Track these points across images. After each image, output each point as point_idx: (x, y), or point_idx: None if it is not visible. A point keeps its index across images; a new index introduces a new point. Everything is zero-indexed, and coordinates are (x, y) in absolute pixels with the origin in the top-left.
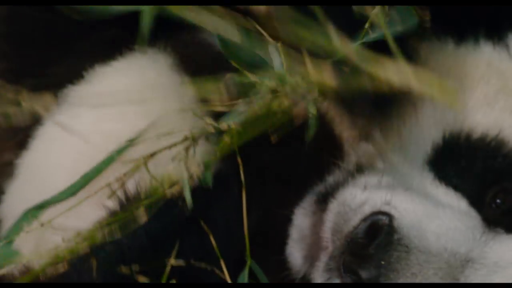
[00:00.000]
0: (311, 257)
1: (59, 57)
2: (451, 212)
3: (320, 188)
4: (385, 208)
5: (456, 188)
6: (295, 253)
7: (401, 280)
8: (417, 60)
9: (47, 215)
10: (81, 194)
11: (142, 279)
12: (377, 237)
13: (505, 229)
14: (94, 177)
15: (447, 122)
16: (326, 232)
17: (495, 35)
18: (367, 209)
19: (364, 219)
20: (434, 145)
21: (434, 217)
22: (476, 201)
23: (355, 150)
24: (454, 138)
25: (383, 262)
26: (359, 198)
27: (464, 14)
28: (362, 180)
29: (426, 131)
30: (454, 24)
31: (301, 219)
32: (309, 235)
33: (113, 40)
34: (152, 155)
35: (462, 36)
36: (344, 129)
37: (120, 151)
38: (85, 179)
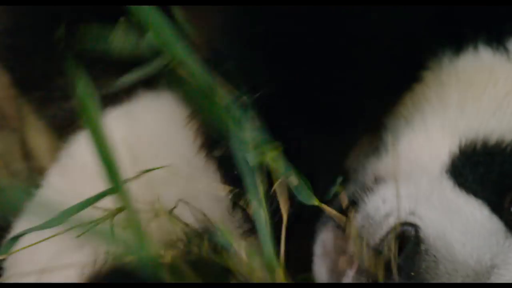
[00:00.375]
0: (338, 272)
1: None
2: (474, 220)
3: (339, 202)
4: (410, 219)
5: (476, 195)
6: (320, 268)
7: None
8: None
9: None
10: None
11: None
12: (404, 248)
13: None
14: (74, 213)
15: (461, 130)
16: (352, 246)
17: (494, 40)
18: (392, 221)
19: (390, 231)
20: (451, 154)
21: (458, 225)
22: (496, 207)
23: (369, 162)
24: (471, 146)
25: (412, 274)
26: (383, 210)
27: (461, 23)
28: (381, 192)
29: (439, 140)
30: (451, 34)
31: (324, 234)
32: (334, 250)
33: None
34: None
35: (461, 45)
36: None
37: (99, 197)
38: (65, 215)
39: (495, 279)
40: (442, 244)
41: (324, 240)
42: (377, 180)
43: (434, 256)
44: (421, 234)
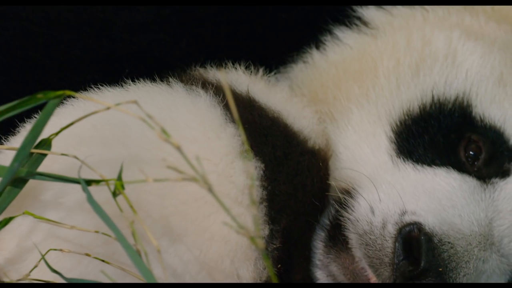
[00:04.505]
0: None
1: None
2: (451, 188)
3: (324, 226)
4: (406, 219)
5: (436, 163)
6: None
7: (462, 274)
8: None
9: None
10: None
11: None
12: (415, 248)
13: (496, 176)
14: None
15: (382, 114)
16: (365, 268)
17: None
18: (391, 228)
19: (397, 240)
20: (391, 138)
21: (443, 201)
22: (457, 165)
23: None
24: (402, 123)
25: (440, 269)
26: (377, 221)
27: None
28: (360, 202)
29: (370, 132)
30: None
31: (327, 269)
32: (345, 278)
33: None
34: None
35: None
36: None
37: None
38: None
39: (497, 232)
40: (447, 227)
41: (330, 272)
42: (348, 192)
43: (449, 242)
44: (427, 228)
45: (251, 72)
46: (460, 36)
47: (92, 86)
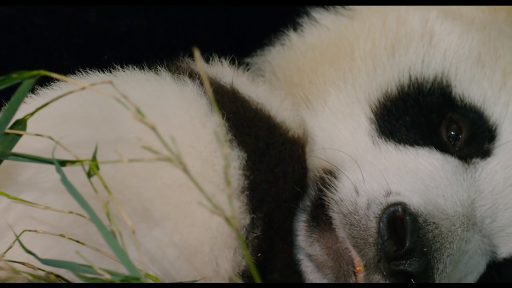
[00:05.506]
0: (343, 277)
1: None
2: (434, 168)
3: (305, 208)
4: (391, 199)
5: (418, 143)
6: (321, 281)
7: (446, 254)
8: None
9: None
10: None
11: None
12: (399, 228)
13: (476, 156)
14: None
15: (360, 95)
16: (350, 249)
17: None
18: (376, 208)
19: (381, 220)
20: (371, 120)
21: (427, 181)
22: (439, 145)
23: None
24: (381, 104)
25: (425, 249)
26: (361, 201)
27: None
28: (344, 183)
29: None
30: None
31: (310, 248)
32: (329, 258)
33: None
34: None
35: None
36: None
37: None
38: None
39: (479, 212)
40: (431, 207)
41: (312, 253)
42: (334, 173)
43: (434, 222)
44: (412, 208)
45: (235, 65)
46: (437, 16)
47: (75, 71)
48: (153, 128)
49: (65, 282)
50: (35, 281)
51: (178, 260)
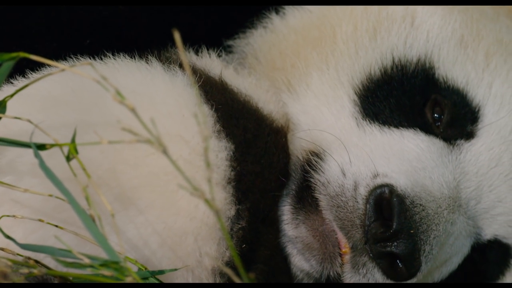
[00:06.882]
0: (329, 259)
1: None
2: (420, 150)
3: (290, 191)
4: (378, 181)
5: (403, 125)
6: (306, 263)
7: (432, 236)
8: None
9: None
10: None
11: None
12: (386, 210)
13: (460, 137)
14: None
15: (344, 78)
16: (336, 231)
17: None
18: (363, 190)
19: (368, 201)
20: (354, 102)
21: (413, 163)
22: (424, 127)
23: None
24: (365, 87)
25: (412, 231)
26: (348, 183)
27: None
28: (331, 165)
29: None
30: None
31: (296, 230)
32: (315, 240)
33: None
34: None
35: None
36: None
37: None
38: None
39: (464, 194)
40: (419, 189)
41: (298, 235)
42: (319, 155)
43: (420, 204)
44: (399, 190)
45: (221, 56)
46: None
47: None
48: (132, 110)
49: (44, 267)
50: (14, 267)
51: (161, 248)
